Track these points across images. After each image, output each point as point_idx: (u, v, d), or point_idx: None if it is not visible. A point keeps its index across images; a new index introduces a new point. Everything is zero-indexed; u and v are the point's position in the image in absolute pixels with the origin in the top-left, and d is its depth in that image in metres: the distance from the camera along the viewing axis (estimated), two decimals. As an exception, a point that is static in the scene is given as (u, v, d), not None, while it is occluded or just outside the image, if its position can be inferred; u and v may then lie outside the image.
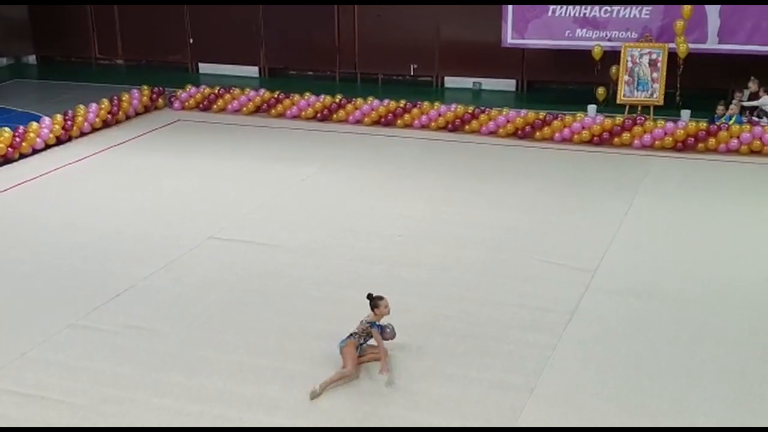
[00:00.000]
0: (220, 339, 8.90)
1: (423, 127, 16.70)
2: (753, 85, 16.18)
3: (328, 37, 20.40)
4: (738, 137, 15.03)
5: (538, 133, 15.96)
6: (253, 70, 21.23)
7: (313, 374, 8.17)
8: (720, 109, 15.77)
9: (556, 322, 9.17)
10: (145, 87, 18.09)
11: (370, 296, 8.36)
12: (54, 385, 8.12)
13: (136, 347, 8.77)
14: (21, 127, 15.19)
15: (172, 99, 18.31)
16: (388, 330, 8.37)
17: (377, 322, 8.29)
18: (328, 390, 7.93)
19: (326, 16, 20.25)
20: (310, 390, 7.85)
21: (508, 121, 16.18)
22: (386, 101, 17.10)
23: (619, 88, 16.69)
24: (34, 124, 15.38)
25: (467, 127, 16.44)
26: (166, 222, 12.07)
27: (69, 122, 15.92)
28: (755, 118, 15.78)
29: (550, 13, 17.73)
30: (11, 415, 7.69)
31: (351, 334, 8.30)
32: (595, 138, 15.64)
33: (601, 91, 17.14)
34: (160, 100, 18.23)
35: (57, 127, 15.66)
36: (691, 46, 16.57)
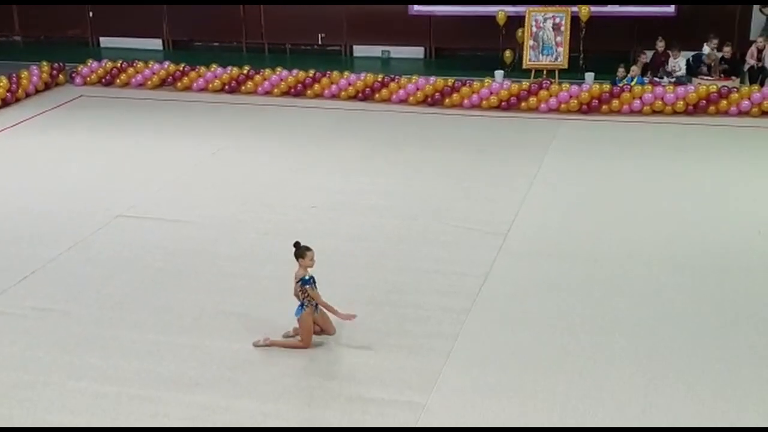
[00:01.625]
0: (134, 319, 8.76)
1: (333, 96, 16.64)
2: (660, 45, 16.58)
3: (233, 8, 20.07)
4: (641, 98, 15.43)
5: (447, 100, 16.09)
6: (156, 43, 20.77)
7: (231, 349, 8.13)
8: (621, 71, 16.14)
9: (470, 285, 9.31)
10: (45, 63, 17.53)
11: (297, 244, 8.13)
12: (-38, 372, 7.88)
13: (48, 330, 8.56)
14: None
15: (74, 75, 17.80)
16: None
17: (306, 276, 8.05)
18: (248, 364, 7.90)
19: (230, -14, 19.91)
20: (254, 341, 8.10)
21: (417, 89, 16.26)
22: (295, 72, 16.96)
23: (524, 53, 16.92)
24: (-73, 105, 14.77)
25: (377, 95, 16.46)
26: (73, 201, 11.76)
27: (-35, 102, 15.34)
28: (656, 79, 16.21)
29: (455, -20, 17.83)
30: None
31: (302, 304, 8.05)
32: (503, 103, 15.85)
33: (508, 54, 17.34)
34: (60, 76, 17.70)
35: (-48, 107, 15.07)
36: (593, 9, 16.87)
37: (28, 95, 16.78)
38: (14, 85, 16.43)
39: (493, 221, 10.93)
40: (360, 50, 20.01)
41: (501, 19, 17.26)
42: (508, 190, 11.99)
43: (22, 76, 16.76)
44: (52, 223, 11.05)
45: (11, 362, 8.01)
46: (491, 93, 15.91)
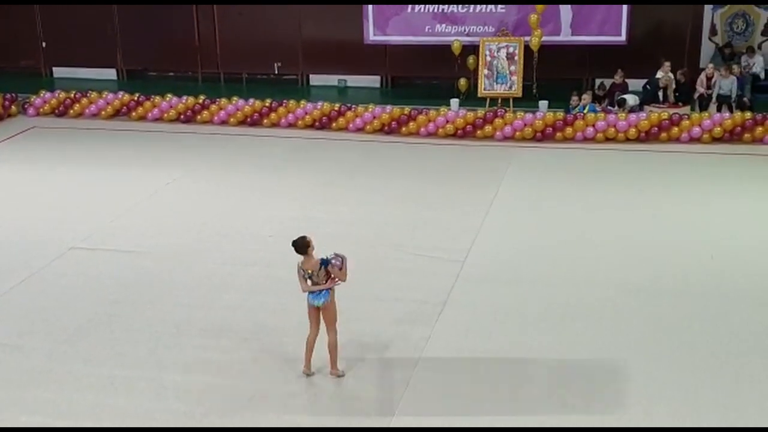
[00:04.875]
0: (89, 352, 8.61)
1: (290, 125, 16.65)
2: (618, 78, 16.85)
3: (187, 37, 20.02)
4: (593, 125, 15.65)
5: (404, 128, 16.17)
6: (110, 73, 20.61)
7: (187, 381, 8.02)
8: (574, 99, 16.37)
9: (429, 313, 9.31)
10: (-4, 94, 17.31)
11: (294, 244, 7.88)
12: None
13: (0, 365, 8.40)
14: None
15: (26, 105, 17.60)
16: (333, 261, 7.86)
17: (323, 258, 7.84)
18: (204, 396, 7.80)
19: (185, 15, 19.86)
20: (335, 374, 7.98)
21: (374, 118, 16.32)
22: (251, 101, 16.94)
23: (479, 82, 17.09)
24: None
25: (334, 124, 16.49)
26: (25, 233, 11.57)
27: None
28: (609, 107, 16.46)
29: (409, 10, 17.99)
30: None
31: (327, 290, 7.82)
32: (459, 131, 15.97)
33: (463, 82, 17.50)
34: (13, 107, 17.48)
35: None
36: (546, 38, 17.12)
37: (-21, 126, 16.56)
38: (-35, 116, 16.21)
39: (450, 248, 10.96)
40: (316, 79, 20.05)
41: (456, 48, 17.44)
42: (465, 217, 12.05)
43: (-27, 106, 16.55)
44: (5, 256, 10.86)
45: (-39, 399, 7.82)
46: (447, 121, 16.03)
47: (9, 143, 15.87)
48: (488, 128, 15.91)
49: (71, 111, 17.44)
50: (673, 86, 16.45)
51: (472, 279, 10.15)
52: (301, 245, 7.89)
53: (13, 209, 12.49)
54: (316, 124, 16.56)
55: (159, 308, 9.50)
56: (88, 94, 17.55)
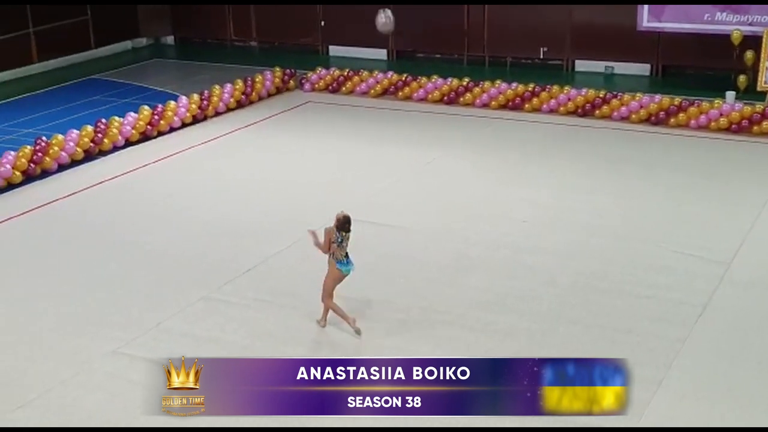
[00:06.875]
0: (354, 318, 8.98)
1: (552, 111, 16.43)
2: None
3: (456, 20, 20.30)
4: None
5: (672, 120, 15.46)
6: (381, 53, 21.36)
7: (434, 355, 8.20)
8: None
9: (687, 314, 8.90)
10: (278, 69, 18.44)
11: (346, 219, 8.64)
12: (186, 355, 8.39)
13: (265, 321, 9.03)
14: (159, 105, 15.79)
15: (303, 81, 18.61)
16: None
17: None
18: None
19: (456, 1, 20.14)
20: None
21: (641, 107, 15.74)
22: (514, 85, 16.89)
23: (760, 74, 15.96)
24: (172, 103, 15.95)
25: (598, 112, 16.08)
26: (294, 201, 12.32)
27: (205, 102, 16.43)
28: None
29: (690, -5, 17.10)
30: (144, 383, 8.00)
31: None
32: (733, 126, 15.02)
33: (742, 79, 16.40)
34: (291, 81, 18.56)
35: (193, 106, 16.19)
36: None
37: (260, 98, 17.73)
38: (249, 88, 17.43)
39: (715, 249, 10.38)
40: (582, 65, 19.63)
41: (736, 38, 16.39)
42: (734, 217, 11.34)
43: (257, 80, 17.75)
44: (275, 221, 11.62)
45: (231, 349, 8.47)
46: (721, 114, 15.13)
47: (287, 115, 16.91)
48: (766, 124, 14.84)
49: (343, 88, 18.26)
50: None
51: (739, 283, 9.57)
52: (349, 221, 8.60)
53: (286, 177, 13.33)
54: (579, 110, 16.23)
55: (410, 283, 9.79)
56: (360, 73, 18.30)
